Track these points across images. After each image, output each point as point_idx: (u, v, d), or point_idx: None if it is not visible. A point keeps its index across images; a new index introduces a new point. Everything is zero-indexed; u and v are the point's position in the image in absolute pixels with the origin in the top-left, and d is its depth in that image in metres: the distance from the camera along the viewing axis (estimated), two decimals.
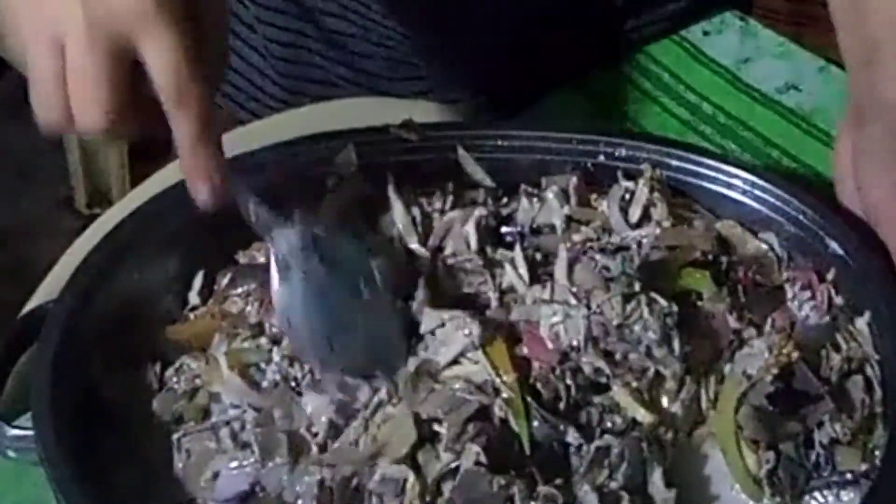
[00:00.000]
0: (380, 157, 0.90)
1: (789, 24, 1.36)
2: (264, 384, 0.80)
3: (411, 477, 0.73)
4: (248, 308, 0.84)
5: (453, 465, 0.73)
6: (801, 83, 1.11)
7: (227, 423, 0.79)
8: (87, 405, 0.78)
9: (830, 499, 0.76)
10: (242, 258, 0.88)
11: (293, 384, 0.79)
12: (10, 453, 0.78)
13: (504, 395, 0.76)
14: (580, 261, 0.81)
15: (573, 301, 0.79)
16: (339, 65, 1.13)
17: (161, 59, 0.72)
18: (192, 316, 0.86)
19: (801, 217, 0.86)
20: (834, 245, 0.85)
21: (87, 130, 0.74)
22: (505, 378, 0.76)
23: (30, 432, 0.76)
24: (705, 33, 1.16)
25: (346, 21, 1.11)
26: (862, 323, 0.82)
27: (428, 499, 0.73)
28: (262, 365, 0.81)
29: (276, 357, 0.81)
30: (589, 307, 0.78)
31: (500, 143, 0.92)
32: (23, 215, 2.29)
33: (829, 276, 0.85)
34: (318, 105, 1.09)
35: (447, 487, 0.73)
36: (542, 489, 0.73)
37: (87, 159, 2.26)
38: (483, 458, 0.73)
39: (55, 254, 0.99)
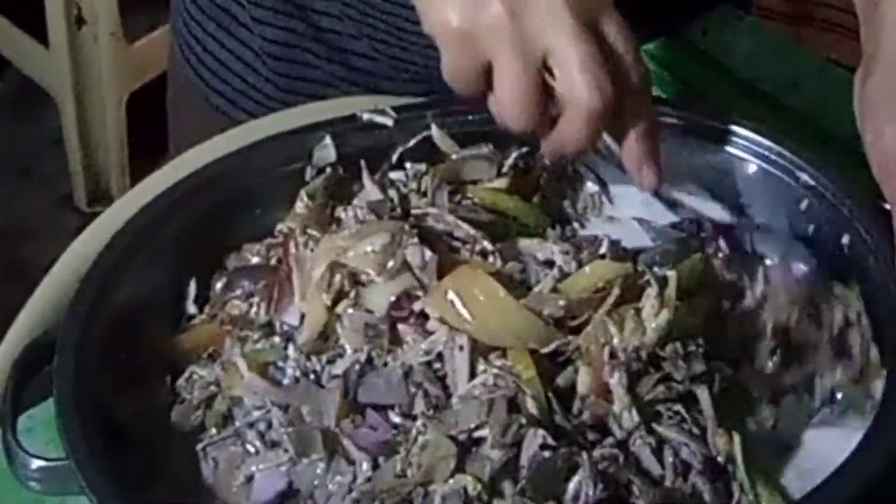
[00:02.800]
0: (355, 145, 0.90)
1: (789, 22, 1.36)
2: (285, 381, 0.80)
3: (470, 482, 0.73)
4: (254, 309, 0.84)
5: (505, 459, 0.73)
6: (801, 81, 1.11)
7: (252, 424, 0.79)
8: (108, 429, 0.78)
9: (833, 434, 0.80)
10: (233, 261, 0.88)
11: (313, 377, 0.80)
12: (34, 485, 0.77)
13: (526, 391, 0.76)
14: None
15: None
16: (334, 64, 1.13)
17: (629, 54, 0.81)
18: (192, 325, 0.86)
19: (769, 154, 0.89)
20: (805, 176, 0.87)
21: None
22: (525, 375, 0.76)
23: (56, 463, 0.75)
24: (705, 31, 1.16)
25: (341, 20, 1.11)
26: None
27: (486, 498, 0.73)
28: (280, 363, 0.81)
29: (292, 353, 0.80)
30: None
31: (470, 117, 0.92)
32: (23, 213, 2.30)
33: (803, 207, 0.88)
34: (313, 104, 1.09)
35: (506, 484, 0.73)
36: (602, 451, 0.74)
37: (87, 157, 2.27)
38: (549, 441, 0.73)
39: (55, 253, 0.99)
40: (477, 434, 0.75)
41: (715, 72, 1.12)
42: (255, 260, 0.87)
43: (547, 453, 0.73)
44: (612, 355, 0.76)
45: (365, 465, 0.75)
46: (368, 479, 0.75)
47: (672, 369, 0.77)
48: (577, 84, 0.78)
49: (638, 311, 0.77)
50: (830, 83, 1.11)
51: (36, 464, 0.76)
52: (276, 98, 1.16)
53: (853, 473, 0.73)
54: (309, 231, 0.84)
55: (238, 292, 0.85)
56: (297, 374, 0.80)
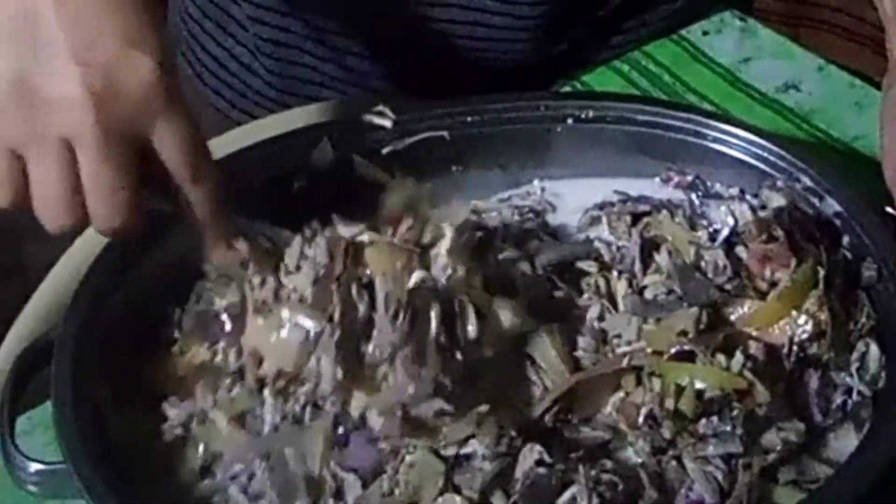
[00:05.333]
0: (354, 147, 0.90)
1: (788, 23, 1.37)
2: (265, 429, 0.77)
3: (458, 502, 0.72)
4: (220, 356, 0.79)
5: (498, 470, 0.73)
6: (801, 83, 1.11)
7: (234, 477, 0.76)
8: (106, 431, 0.77)
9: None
10: (199, 290, 0.84)
11: (293, 420, 0.76)
12: (31, 487, 0.76)
13: None
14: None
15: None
16: (329, 63, 1.13)
17: (176, 143, 0.73)
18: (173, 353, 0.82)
19: (768, 156, 0.88)
20: (805, 179, 0.86)
21: (106, 231, 0.73)
22: None
23: (54, 466, 0.75)
24: (705, 33, 1.16)
25: (336, 20, 1.11)
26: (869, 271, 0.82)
27: None
28: (258, 410, 0.77)
29: (269, 399, 0.77)
30: None
31: (469, 118, 0.92)
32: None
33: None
34: (312, 106, 1.09)
35: (496, 498, 0.72)
36: (599, 474, 0.73)
37: None
38: (546, 458, 0.73)
39: (55, 253, 0.99)
40: (465, 450, 0.73)
41: (714, 72, 1.12)
42: (219, 302, 0.81)
43: (542, 470, 0.72)
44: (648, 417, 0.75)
45: (358, 486, 0.74)
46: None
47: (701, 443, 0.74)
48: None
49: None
50: (829, 83, 1.11)
51: (34, 467, 0.76)
52: (270, 97, 1.16)
53: (852, 474, 0.72)
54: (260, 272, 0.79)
55: (202, 339, 0.80)
56: (277, 420, 0.76)
